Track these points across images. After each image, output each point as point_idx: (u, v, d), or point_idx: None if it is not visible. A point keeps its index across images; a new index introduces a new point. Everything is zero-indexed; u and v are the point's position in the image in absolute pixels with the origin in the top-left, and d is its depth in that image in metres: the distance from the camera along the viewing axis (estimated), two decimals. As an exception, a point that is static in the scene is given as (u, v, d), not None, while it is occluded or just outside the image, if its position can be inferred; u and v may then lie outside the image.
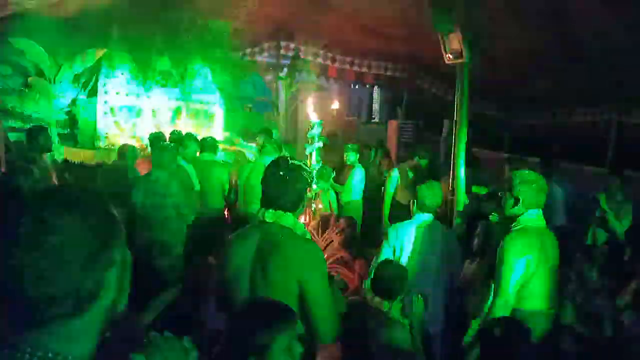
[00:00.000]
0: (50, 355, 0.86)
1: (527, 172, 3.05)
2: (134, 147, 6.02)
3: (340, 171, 6.72)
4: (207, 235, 4.77)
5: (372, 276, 3.16)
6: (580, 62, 7.04)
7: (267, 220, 2.17)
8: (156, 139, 5.70)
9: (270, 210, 2.18)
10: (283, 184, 2.16)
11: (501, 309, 2.83)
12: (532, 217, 2.94)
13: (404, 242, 3.55)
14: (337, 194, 6.48)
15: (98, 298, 0.91)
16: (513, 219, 2.99)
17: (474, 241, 3.80)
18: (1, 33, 4.92)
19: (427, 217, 3.60)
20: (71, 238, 0.87)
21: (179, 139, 5.60)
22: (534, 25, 6.77)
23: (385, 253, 3.57)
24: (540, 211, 2.98)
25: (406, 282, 2.98)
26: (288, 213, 2.18)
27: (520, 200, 2.92)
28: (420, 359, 2.64)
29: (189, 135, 5.66)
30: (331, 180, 6.36)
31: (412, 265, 3.43)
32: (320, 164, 5.80)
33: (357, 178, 6.56)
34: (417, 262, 3.50)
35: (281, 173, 2.17)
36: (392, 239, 3.60)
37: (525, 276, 2.86)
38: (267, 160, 5.51)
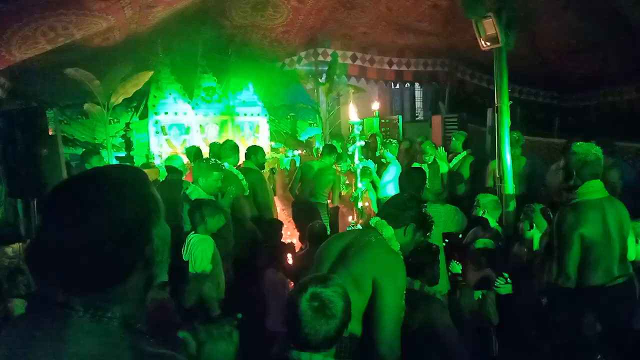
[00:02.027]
0: (99, 313, 0.96)
1: (580, 143, 2.97)
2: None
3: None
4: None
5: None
6: (628, 35, 6.77)
7: (370, 224, 2.46)
8: (194, 154, 5.89)
9: (377, 218, 2.46)
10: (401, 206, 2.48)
11: (563, 284, 2.79)
12: (589, 189, 2.87)
13: None
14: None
15: (137, 269, 1.01)
16: (569, 193, 2.92)
17: (520, 225, 3.78)
18: (55, 64, 5.29)
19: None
20: (112, 214, 0.97)
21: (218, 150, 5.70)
22: (576, 3, 6.60)
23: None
24: (599, 181, 2.89)
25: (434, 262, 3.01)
26: (389, 226, 2.39)
27: (574, 173, 2.85)
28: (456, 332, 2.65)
29: (227, 145, 5.74)
30: (373, 177, 6.42)
31: None
32: (363, 163, 5.88)
33: (391, 174, 6.56)
34: None
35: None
36: None
37: (583, 250, 2.78)
38: (328, 161, 6.26)
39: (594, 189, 2.88)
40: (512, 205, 4.87)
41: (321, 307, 1.74)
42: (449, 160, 6.90)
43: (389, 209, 2.52)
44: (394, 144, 6.73)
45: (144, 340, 0.99)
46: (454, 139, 7.02)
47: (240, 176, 5.18)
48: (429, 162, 6.54)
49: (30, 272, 1.10)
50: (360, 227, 2.55)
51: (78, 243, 0.94)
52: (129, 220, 0.99)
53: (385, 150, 6.64)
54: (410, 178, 3.72)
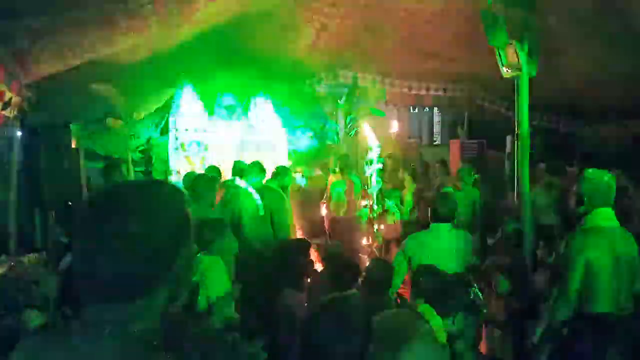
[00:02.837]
0: (118, 327, 0.96)
1: (592, 170, 2.95)
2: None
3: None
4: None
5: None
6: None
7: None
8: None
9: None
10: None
11: (563, 308, 2.76)
12: (598, 217, 2.84)
13: (420, 253, 3.52)
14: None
15: (160, 286, 1.01)
16: (580, 219, 2.90)
17: (539, 253, 3.74)
18: (79, 79, 5.41)
19: (443, 226, 3.57)
20: (150, 227, 0.98)
21: (240, 169, 5.74)
22: (599, 34, 6.57)
23: (397, 262, 3.58)
24: (610, 210, 2.86)
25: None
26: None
27: (586, 199, 2.84)
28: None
29: (255, 165, 5.76)
30: (398, 200, 6.40)
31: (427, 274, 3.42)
32: (381, 185, 5.87)
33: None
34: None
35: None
36: (408, 250, 3.59)
37: (588, 277, 2.75)
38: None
39: (604, 217, 2.86)
40: (531, 232, 4.80)
41: (341, 324, 1.70)
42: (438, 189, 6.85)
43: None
44: (413, 168, 6.72)
45: (162, 357, 0.99)
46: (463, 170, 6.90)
47: (252, 196, 5.17)
48: (464, 189, 6.41)
49: (60, 280, 1.11)
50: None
51: (112, 251, 0.95)
52: (164, 236, 1.00)
53: (406, 173, 6.61)
54: (445, 201, 3.65)
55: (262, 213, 5.23)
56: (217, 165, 6.45)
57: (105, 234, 0.96)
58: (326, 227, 6.68)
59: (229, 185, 5.39)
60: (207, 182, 4.51)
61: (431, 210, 3.67)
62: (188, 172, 6.48)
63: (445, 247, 3.51)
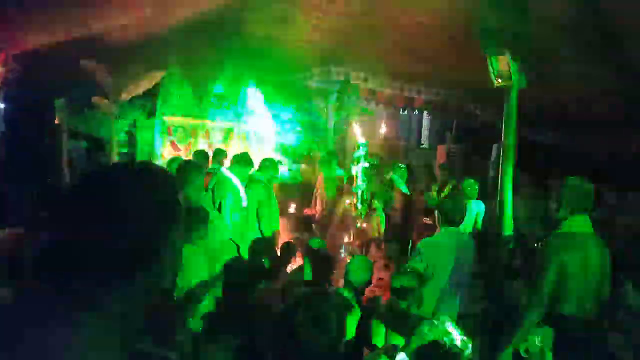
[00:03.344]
0: (100, 308, 0.95)
1: (573, 177, 3.03)
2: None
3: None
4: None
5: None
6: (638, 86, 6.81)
7: None
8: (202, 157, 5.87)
9: None
10: None
11: (535, 309, 2.83)
12: (575, 222, 2.91)
13: (435, 257, 3.55)
14: (387, 216, 6.50)
15: (147, 267, 1.00)
16: (557, 224, 2.98)
17: (516, 261, 3.79)
18: (68, 55, 5.31)
19: (452, 230, 3.62)
20: (141, 207, 0.98)
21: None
22: (591, 48, 6.63)
23: (419, 268, 3.59)
24: (587, 217, 2.94)
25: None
26: None
27: (563, 204, 2.91)
28: None
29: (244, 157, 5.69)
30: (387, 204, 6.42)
31: (443, 279, 3.45)
32: (365, 185, 5.87)
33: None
34: (447, 275, 3.52)
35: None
36: (424, 254, 3.61)
37: (559, 279, 2.83)
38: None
39: (580, 223, 2.95)
40: (510, 241, 4.86)
41: (317, 321, 1.71)
42: (440, 192, 6.99)
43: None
44: (402, 169, 6.73)
45: (143, 339, 0.99)
46: (443, 170, 7.21)
47: (236, 187, 5.13)
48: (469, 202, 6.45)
49: (36, 256, 1.08)
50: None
51: (100, 229, 0.94)
52: (155, 218, 0.99)
53: (394, 174, 6.63)
54: (456, 204, 3.68)
55: (243, 205, 5.20)
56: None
57: (94, 213, 0.95)
58: (316, 221, 6.71)
59: (214, 174, 5.34)
60: (196, 168, 4.46)
61: (442, 214, 3.68)
62: (173, 157, 6.43)
63: (455, 251, 3.56)
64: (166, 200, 1.03)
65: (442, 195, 7.10)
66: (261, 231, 5.29)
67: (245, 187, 5.32)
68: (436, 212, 3.85)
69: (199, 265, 3.58)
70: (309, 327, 1.71)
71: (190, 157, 7.51)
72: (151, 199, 1.00)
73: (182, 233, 1.08)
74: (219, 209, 4.88)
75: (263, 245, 4.46)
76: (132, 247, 0.96)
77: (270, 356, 2.07)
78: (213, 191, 5.01)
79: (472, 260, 3.68)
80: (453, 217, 3.62)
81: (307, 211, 6.92)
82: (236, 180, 5.25)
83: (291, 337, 1.71)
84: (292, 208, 7.33)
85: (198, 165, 4.64)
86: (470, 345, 2.38)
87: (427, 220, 6.81)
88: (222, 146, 7.74)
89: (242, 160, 5.53)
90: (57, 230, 0.99)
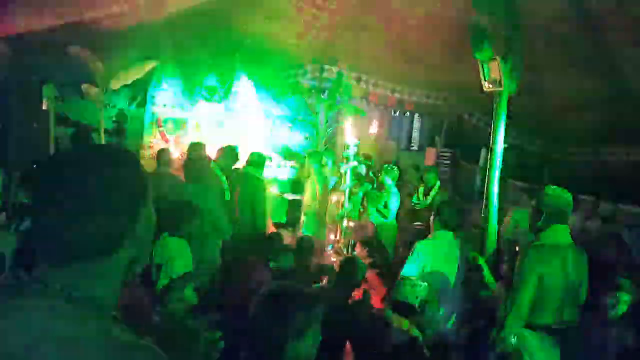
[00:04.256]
0: (76, 292, 0.95)
1: (553, 187, 3.06)
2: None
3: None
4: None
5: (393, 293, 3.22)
6: (629, 101, 6.91)
7: None
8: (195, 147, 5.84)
9: None
10: None
11: (514, 320, 2.86)
12: (554, 233, 2.94)
13: (427, 259, 3.60)
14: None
15: (122, 246, 1.00)
16: (537, 234, 3.01)
17: (503, 266, 3.83)
18: (58, 40, 5.25)
19: (449, 234, 3.66)
20: (110, 184, 0.98)
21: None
22: (582, 60, 6.71)
23: (411, 269, 3.61)
24: (566, 227, 2.97)
25: (422, 299, 3.03)
26: None
27: (544, 215, 2.94)
28: None
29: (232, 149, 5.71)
30: (381, 205, 6.44)
31: (436, 280, 3.48)
32: (354, 184, 5.90)
33: (394, 204, 6.60)
34: (440, 277, 3.55)
35: None
36: (418, 256, 3.65)
37: (539, 291, 2.85)
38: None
39: (558, 234, 2.97)
40: (493, 246, 4.91)
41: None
42: (426, 194, 7.05)
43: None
44: (394, 170, 6.72)
45: (118, 326, 0.97)
46: (429, 174, 7.27)
47: (221, 179, 5.13)
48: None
49: (19, 242, 1.09)
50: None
51: (71, 210, 0.94)
52: (124, 194, 1.00)
53: (385, 175, 6.62)
54: (452, 213, 3.73)
55: (227, 198, 5.19)
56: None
57: (65, 193, 0.95)
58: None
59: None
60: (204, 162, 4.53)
61: (438, 217, 3.72)
62: (162, 148, 6.39)
63: (450, 255, 3.60)
64: (133, 177, 1.04)
65: (430, 198, 7.15)
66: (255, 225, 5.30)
67: (242, 182, 5.33)
68: (432, 216, 3.89)
69: (183, 257, 3.59)
70: (270, 316, 1.74)
71: (179, 148, 7.51)
72: (119, 177, 1.00)
73: (152, 215, 1.09)
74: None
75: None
76: (104, 225, 0.96)
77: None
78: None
79: (463, 266, 3.71)
80: (449, 222, 3.67)
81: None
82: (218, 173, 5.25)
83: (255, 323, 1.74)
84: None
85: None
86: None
87: (418, 224, 6.85)
88: (212, 139, 7.72)
89: (229, 153, 5.53)
90: (30, 216, 0.99)
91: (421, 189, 7.38)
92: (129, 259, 1.04)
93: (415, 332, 2.92)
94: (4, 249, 3.27)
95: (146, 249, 1.10)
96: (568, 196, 3.01)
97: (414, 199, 7.33)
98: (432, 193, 7.11)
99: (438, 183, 7.23)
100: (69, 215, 0.94)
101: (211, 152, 5.89)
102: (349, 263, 3.66)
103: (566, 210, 2.99)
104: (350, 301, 3.53)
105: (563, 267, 2.92)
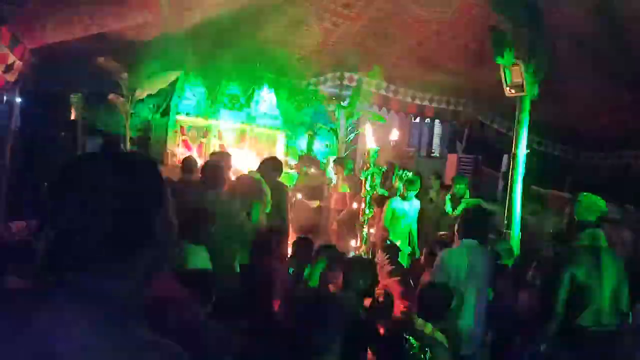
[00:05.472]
0: (100, 293, 0.98)
1: (586, 193, 3.10)
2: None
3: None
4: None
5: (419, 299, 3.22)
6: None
7: None
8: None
9: None
10: None
11: (551, 323, 2.86)
12: (587, 236, 2.96)
13: (454, 267, 3.58)
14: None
15: (143, 248, 1.04)
16: (569, 238, 3.03)
17: (530, 272, 3.81)
18: (85, 51, 5.39)
19: (474, 242, 3.63)
20: (124, 192, 1.01)
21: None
22: (606, 65, 6.62)
23: (437, 278, 3.60)
24: (599, 230, 2.98)
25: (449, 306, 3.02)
26: None
27: (574, 219, 2.97)
28: None
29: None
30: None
31: (461, 289, 3.46)
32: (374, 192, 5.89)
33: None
34: (465, 285, 3.53)
35: None
36: (443, 265, 3.64)
37: (572, 291, 2.85)
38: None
39: (592, 237, 3.00)
40: (517, 252, 4.85)
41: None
42: (455, 205, 6.93)
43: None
44: (416, 183, 6.61)
45: (141, 326, 1.00)
46: (459, 184, 7.05)
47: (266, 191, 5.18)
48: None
49: (45, 248, 1.12)
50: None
51: (101, 208, 0.98)
52: (143, 198, 1.04)
53: (409, 191, 6.51)
54: (479, 224, 3.73)
55: (268, 210, 5.24)
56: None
57: (86, 197, 0.98)
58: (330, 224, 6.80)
59: (246, 177, 5.42)
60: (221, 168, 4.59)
61: (463, 226, 3.71)
62: (187, 156, 6.47)
63: (476, 263, 3.59)
64: (152, 181, 1.07)
65: (460, 208, 7.00)
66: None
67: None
68: (456, 225, 3.87)
69: (201, 263, 3.63)
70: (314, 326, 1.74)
71: (201, 156, 7.61)
72: (136, 183, 1.03)
73: (173, 220, 1.11)
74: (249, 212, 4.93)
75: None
76: (125, 227, 1.00)
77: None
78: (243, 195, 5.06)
79: (489, 275, 3.68)
80: (475, 230, 3.65)
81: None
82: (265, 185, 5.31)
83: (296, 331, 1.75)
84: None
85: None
86: None
87: (442, 235, 6.75)
88: (233, 146, 7.82)
89: (269, 164, 5.59)
90: (53, 222, 1.02)
91: (448, 198, 7.27)
92: (149, 262, 1.06)
93: (439, 336, 2.91)
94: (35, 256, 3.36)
95: (166, 253, 1.13)
96: (601, 203, 3.05)
97: (448, 209, 7.20)
98: (463, 203, 7.00)
99: (468, 193, 7.11)
100: (89, 218, 0.97)
101: (235, 160, 5.97)
102: (350, 266, 3.46)
103: (590, 211, 3.01)
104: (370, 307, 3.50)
105: (597, 269, 2.93)
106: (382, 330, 3.40)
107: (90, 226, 0.98)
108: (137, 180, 1.04)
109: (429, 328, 2.90)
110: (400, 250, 5.33)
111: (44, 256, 1.08)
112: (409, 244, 6.54)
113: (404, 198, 6.44)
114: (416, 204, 6.60)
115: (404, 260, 5.81)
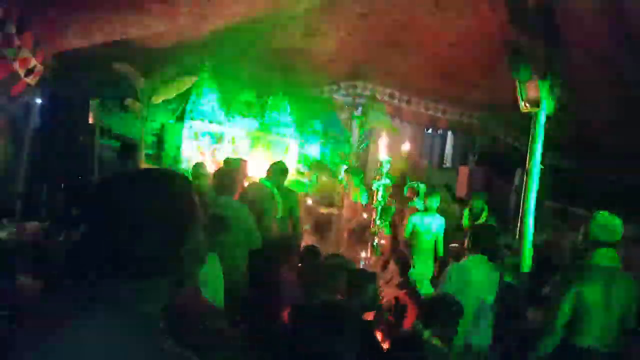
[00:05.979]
0: (125, 307, 1.00)
1: (603, 212, 3.06)
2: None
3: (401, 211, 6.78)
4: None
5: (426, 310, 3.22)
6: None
7: None
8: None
9: None
10: None
11: (548, 340, 2.84)
12: (598, 256, 2.92)
13: (461, 281, 3.58)
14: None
15: (170, 267, 1.05)
16: (582, 255, 3.01)
17: (545, 289, 3.80)
18: (103, 56, 5.48)
19: (482, 258, 3.64)
20: (159, 209, 1.03)
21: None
22: (621, 77, 6.56)
23: (445, 289, 3.61)
24: (613, 251, 2.94)
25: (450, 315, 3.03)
26: None
27: (591, 238, 2.93)
28: None
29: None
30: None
31: (469, 303, 3.45)
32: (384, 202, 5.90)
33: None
34: (473, 299, 3.53)
35: None
36: (451, 279, 3.65)
37: (577, 310, 2.82)
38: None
39: (604, 257, 2.95)
40: (528, 269, 4.81)
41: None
42: (475, 219, 6.90)
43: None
44: (436, 194, 6.62)
45: (166, 341, 1.01)
46: (477, 200, 7.04)
47: (276, 198, 5.22)
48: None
49: (68, 252, 1.14)
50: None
51: (133, 226, 1.00)
52: (176, 216, 1.06)
53: (430, 202, 6.52)
54: (488, 236, 3.75)
55: (280, 215, 5.26)
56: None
57: (116, 215, 1.01)
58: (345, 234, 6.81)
59: (256, 184, 5.45)
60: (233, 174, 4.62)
61: (473, 241, 3.72)
62: (197, 162, 6.53)
63: (484, 279, 3.60)
64: (185, 201, 1.09)
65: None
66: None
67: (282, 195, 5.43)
68: (467, 238, 3.88)
69: (212, 271, 3.63)
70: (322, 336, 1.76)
71: (216, 162, 7.66)
72: (170, 203, 1.05)
73: (201, 236, 1.12)
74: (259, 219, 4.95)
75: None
76: (156, 246, 1.01)
77: None
78: (253, 202, 5.08)
79: (496, 290, 3.68)
80: (485, 245, 3.67)
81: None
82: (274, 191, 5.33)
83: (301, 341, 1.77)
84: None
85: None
86: None
87: (452, 246, 6.73)
88: (246, 153, 7.87)
89: (278, 169, 5.61)
90: (84, 229, 1.04)
91: (466, 213, 7.26)
92: (176, 281, 1.08)
93: (437, 343, 2.92)
94: (50, 258, 3.40)
95: (192, 272, 1.13)
96: (618, 222, 3.00)
97: (465, 222, 7.18)
98: (482, 218, 6.99)
99: (486, 208, 7.09)
100: (124, 234, 1.00)
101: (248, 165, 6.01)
102: (354, 278, 3.29)
103: (614, 235, 2.97)
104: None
105: (606, 289, 2.89)
106: (387, 344, 3.40)
107: (126, 241, 1.00)
108: (173, 198, 1.07)
109: (427, 334, 2.93)
110: (410, 266, 5.29)
111: (71, 263, 1.09)
112: (436, 261, 6.50)
113: (425, 210, 6.45)
114: (440, 220, 6.56)
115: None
